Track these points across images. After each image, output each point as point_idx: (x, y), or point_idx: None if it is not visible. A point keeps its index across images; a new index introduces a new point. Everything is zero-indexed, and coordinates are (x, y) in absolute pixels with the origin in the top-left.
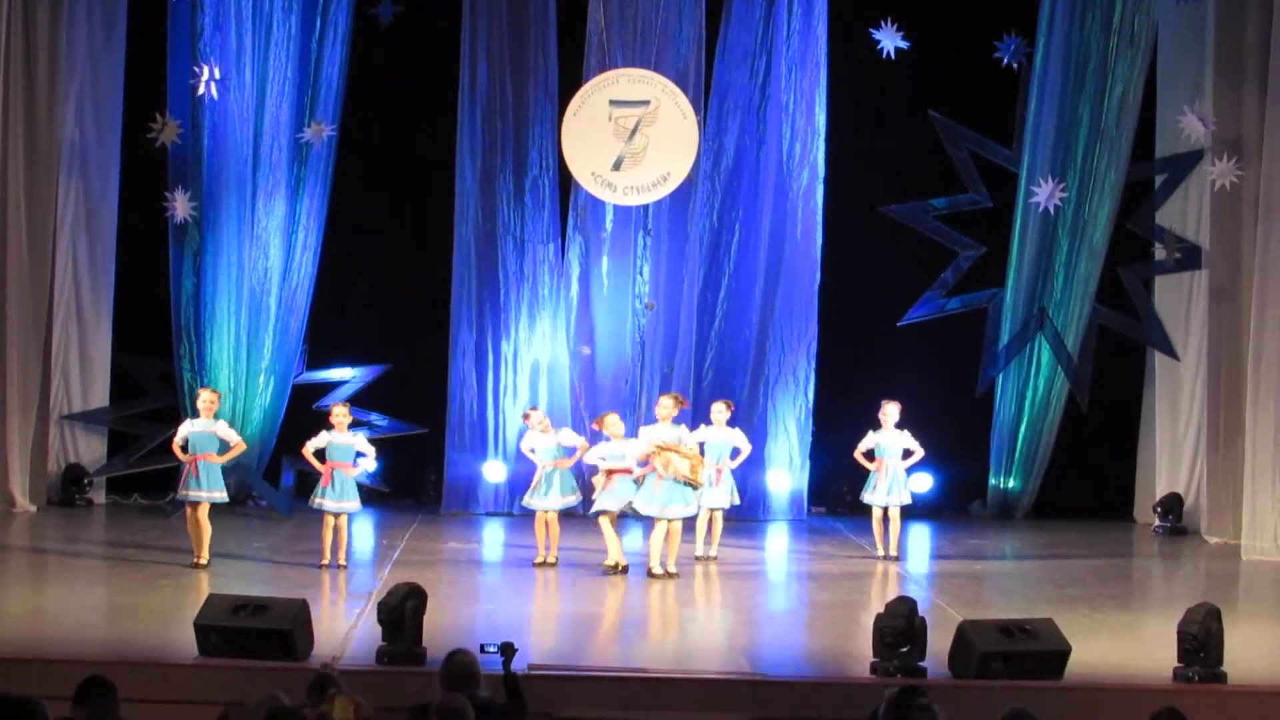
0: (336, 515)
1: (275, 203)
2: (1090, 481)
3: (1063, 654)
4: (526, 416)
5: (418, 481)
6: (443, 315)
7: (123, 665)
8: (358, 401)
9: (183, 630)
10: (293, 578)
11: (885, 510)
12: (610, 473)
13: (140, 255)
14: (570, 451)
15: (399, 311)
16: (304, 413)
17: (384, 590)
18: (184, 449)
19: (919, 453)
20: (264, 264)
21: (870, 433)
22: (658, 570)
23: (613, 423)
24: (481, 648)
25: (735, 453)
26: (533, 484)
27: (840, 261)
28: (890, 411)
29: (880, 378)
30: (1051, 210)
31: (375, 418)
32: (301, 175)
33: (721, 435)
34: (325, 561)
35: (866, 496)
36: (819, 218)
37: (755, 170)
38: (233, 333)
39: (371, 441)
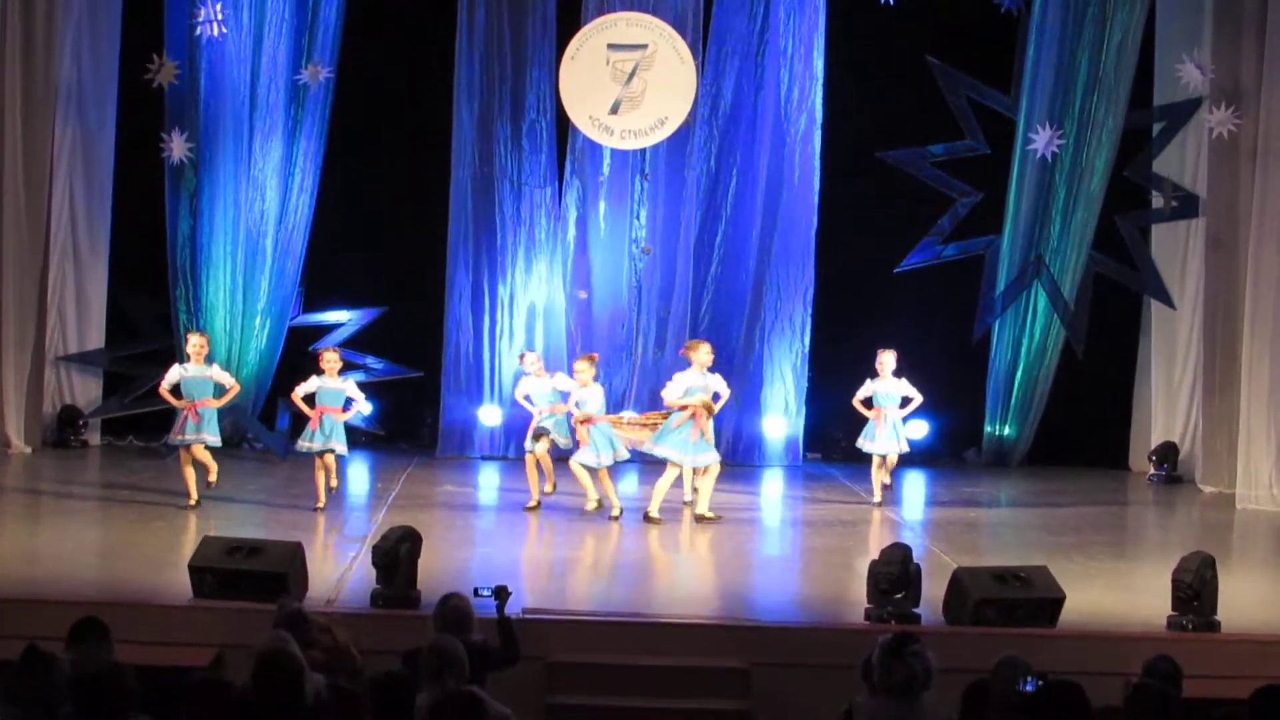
0: (322, 454)
1: (272, 145)
2: (1086, 429)
3: (1057, 601)
4: (522, 358)
5: (413, 425)
6: (439, 258)
7: (117, 607)
8: (353, 344)
9: (177, 572)
10: (288, 521)
11: (884, 458)
12: (585, 421)
13: (137, 196)
14: (566, 396)
15: (395, 254)
16: (300, 355)
17: (379, 533)
18: (174, 394)
19: (917, 399)
20: (260, 206)
21: (868, 381)
22: (655, 515)
23: (582, 368)
24: (476, 591)
25: (715, 398)
26: (531, 429)
27: (837, 207)
28: (886, 360)
29: (877, 324)
30: (1049, 157)
31: (371, 360)
32: (298, 117)
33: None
34: (320, 505)
35: (865, 444)
36: (816, 163)
37: (753, 115)
38: (229, 274)
39: (367, 385)
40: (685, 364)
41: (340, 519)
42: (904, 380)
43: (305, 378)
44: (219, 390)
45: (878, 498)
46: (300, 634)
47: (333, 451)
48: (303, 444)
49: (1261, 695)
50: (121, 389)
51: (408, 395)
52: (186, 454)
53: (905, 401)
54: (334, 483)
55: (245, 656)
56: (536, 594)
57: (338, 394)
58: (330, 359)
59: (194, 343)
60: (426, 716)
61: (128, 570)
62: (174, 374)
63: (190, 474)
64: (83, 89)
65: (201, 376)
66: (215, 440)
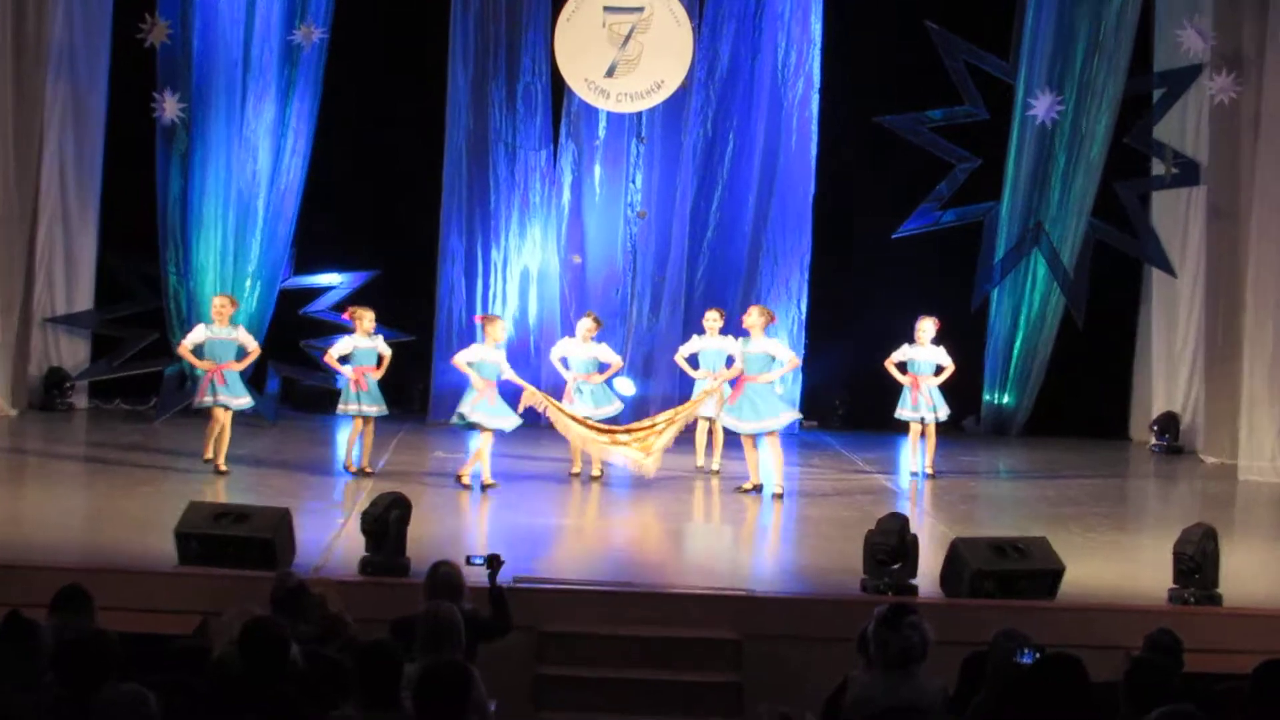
0: (367, 420)
1: (264, 105)
2: (1086, 399)
3: (1056, 574)
4: (591, 321)
5: (405, 390)
6: (432, 222)
7: (101, 573)
8: (344, 308)
9: (163, 538)
10: (276, 486)
11: (924, 425)
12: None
13: (128, 157)
14: (604, 367)
15: (388, 217)
16: (291, 318)
17: (368, 500)
18: (195, 354)
19: (949, 368)
20: (252, 167)
21: (904, 346)
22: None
23: (499, 329)
24: (467, 559)
25: (730, 361)
26: (565, 396)
27: (835, 172)
28: (926, 327)
29: (874, 290)
30: (1048, 123)
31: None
32: (291, 78)
33: (715, 344)
34: (354, 468)
35: (902, 413)
36: (814, 128)
37: (750, 79)
38: (220, 236)
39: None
40: (741, 331)
41: (327, 485)
42: (941, 349)
43: (300, 339)
44: (240, 353)
45: (915, 468)
46: (298, 609)
47: (373, 417)
48: (350, 407)
49: (1265, 670)
50: (109, 352)
51: (399, 360)
52: (218, 416)
53: (938, 370)
54: (367, 459)
55: (228, 624)
56: (529, 563)
57: (371, 352)
58: (364, 316)
59: (218, 304)
60: (415, 686)
61: (112, 536)
62: (198, 334)
63: (221, 436)
64: (74, 49)
65: (227, 339)
66: (245, 402)
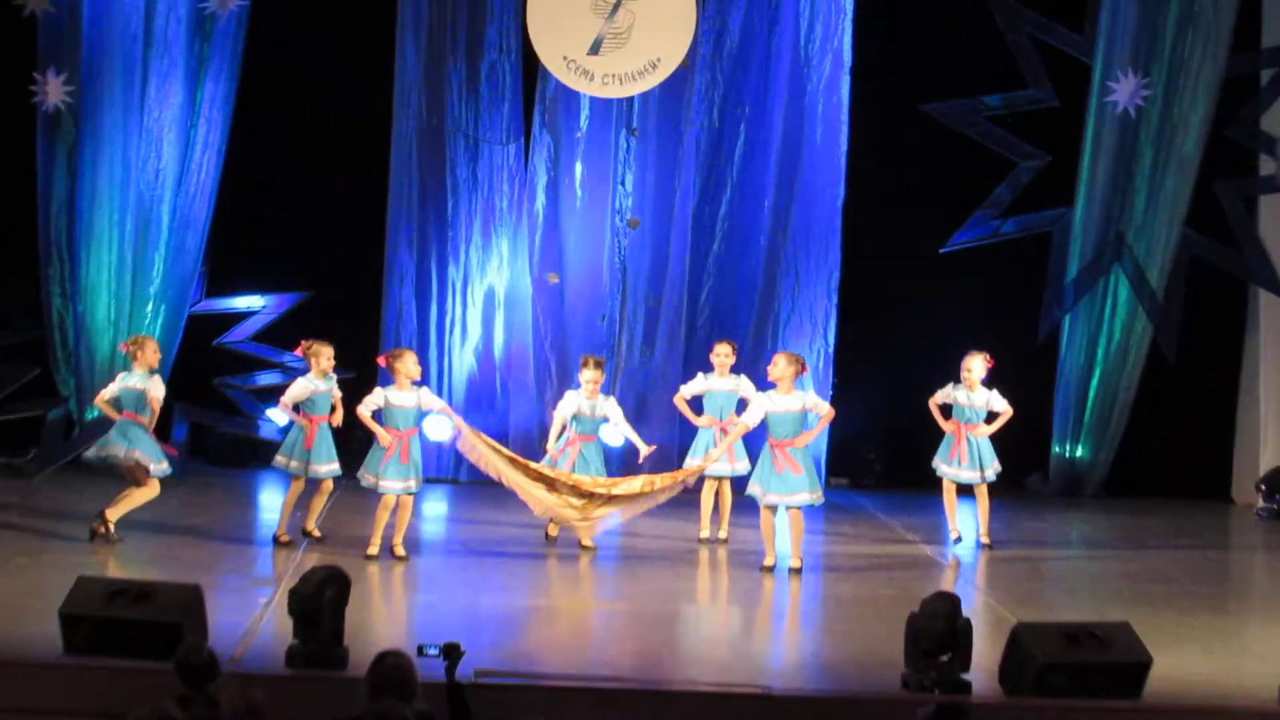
0: (320, 482)
1: (170, 88)
2: (1178, 451)
3: (1142, 667)
4: (596, 371)
5: (341, 440)
6: (376, 232)
7: None
8: (269, 336)
9: (45, 621)
10: (183, 558)
11: (964, 487)
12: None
13: (0, 152)
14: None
15: (321, 227)
16: (202, 350)
17: (296, 575)
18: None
19: (1004, 415)
20: (155, 164)
21: (950, 386)
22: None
23: (410, 363)
24: (420, 649)
25: (741, 405)
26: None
27: (870, 172)
28: (974, 367)
29: (917, 318)
30: (1132, 112)
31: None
32: (204, 54)
33: (726, 385)
34: (286, 537)
35: (938, 465)
36: (844, 117)
37: (766, 57)
38: (115, 250)
39: (282, 389)
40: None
41: (247, 556)
42: (994, 392)
43: (211, 376)
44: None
45: (954, 533)
46: (204, 691)
47: (322, 477)
48: (293, 464)
49: None
50: None
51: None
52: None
53: (990, 418)
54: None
55: None
56: (494, 653)
57: (327, 397)
58: (321, 353)
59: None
60: None
61: None
62: (302, 388)
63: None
64: None
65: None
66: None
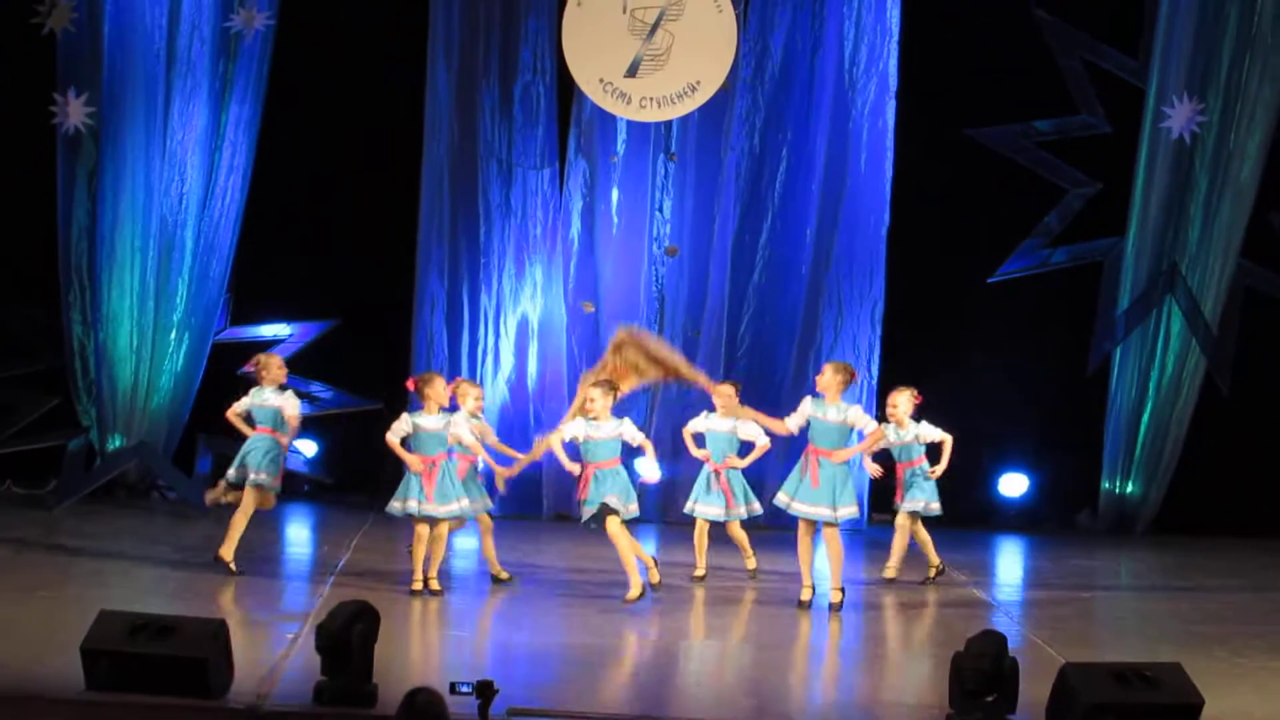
0: (435, 523)
1: (194, 109)
2: (1231, 487)
3: (1193, 708)
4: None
5: (369, 471)
6: (406, 259)
7: None
8: (295, 366)
9: (65, 656)
10: (207, 592)
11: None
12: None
13: (20, 175)
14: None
15: (350, 253)
16: (226, 379)
17: (324, 610)
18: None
19: (946, 442)
20: (178, 188)
21: (808, 399)
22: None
23: (441, 390)
24: (452, 687)
25: (745, 448)
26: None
27: (915, 199)
28: (900, 403)
29: (964, 349)
30: (1187, 138)
31: (317, 388)
32: (228, 75)
33: (724, 426)
34: (419, 586)
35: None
36: (889, 142)
37: (809, 80)
38: (137, 276)
39: (315, 418)
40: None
41: (273, 590)
42: (924, 424)
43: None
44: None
45: (891, 571)
46: None
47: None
48: (416, 507)
49: None
50: None
51: (363, 433)
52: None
53: (933, 451)
54: (434, 571)
55: None
56: (528, 690)
57: (441, 436)
58: (436, 387)
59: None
60: None
61: (1, 654)
62: (405, 425)
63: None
64: None
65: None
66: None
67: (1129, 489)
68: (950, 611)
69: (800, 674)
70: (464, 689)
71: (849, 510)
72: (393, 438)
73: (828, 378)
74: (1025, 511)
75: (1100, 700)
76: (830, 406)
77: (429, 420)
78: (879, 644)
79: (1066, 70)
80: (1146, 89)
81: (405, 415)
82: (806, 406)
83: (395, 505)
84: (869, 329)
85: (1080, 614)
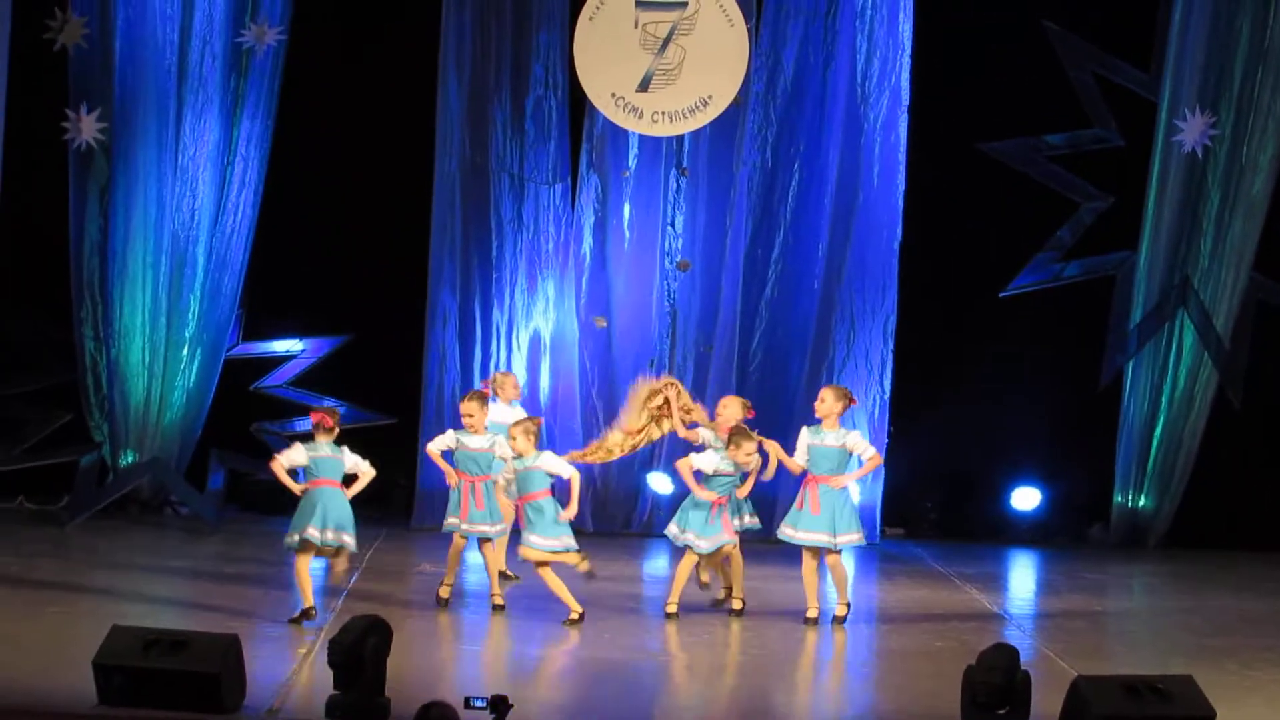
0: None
1: (206, 125)
2: (1244, 501)
3: None
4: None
5: (383, 487)
6: (418, 273)
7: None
8: (308, 381)
9: (78, 671)
10: (220, 607)
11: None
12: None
13: (32, 190)
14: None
15: (362, 268)
16: (238, 394)
17: (337, 624)
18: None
19: (869, 459)
20: (190, 204)
21: (804, 429)
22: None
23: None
24: (466, 701)
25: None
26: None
27: (927, 213)
28: (828, 398)
29: (977, 362)
30: (1199, 152)
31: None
32: (240, 91)
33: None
34: (499, 601)
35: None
36: (901, 156)
37: (821, 94)
38: (149, 291)
39: None
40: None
41: (286, 605)
42: (855, 433)
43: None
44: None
45: (812, 610)
46: None
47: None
48: (454, 524)
49: None
50: (9, 437)
51: (376, 448)
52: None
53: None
54: (497, 588)
55: None
56: (543, 706)
57: (485, 457)
58: (508, 383)
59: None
60: None
61: (13, 669)
62: (449, 439)
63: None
64: None
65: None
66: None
67: (1141, 502)
68: (962, 624)
69: (809, 687)
70: (478, 704)
71: (850, 537)
72: (434, 448)
73: (828, 404)
74: (1037, 525)
75: (1112, 713)
76: (828, 432)
77: (474, 440)
78: (889, 657)
79: (1078, 84)
80: (1159, 102)
81: (450, 430)
82: (805, 437)
83: (451, 522)
84: (881, 343)
85: (1092, 627)
